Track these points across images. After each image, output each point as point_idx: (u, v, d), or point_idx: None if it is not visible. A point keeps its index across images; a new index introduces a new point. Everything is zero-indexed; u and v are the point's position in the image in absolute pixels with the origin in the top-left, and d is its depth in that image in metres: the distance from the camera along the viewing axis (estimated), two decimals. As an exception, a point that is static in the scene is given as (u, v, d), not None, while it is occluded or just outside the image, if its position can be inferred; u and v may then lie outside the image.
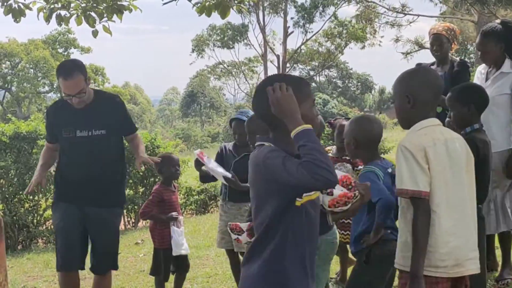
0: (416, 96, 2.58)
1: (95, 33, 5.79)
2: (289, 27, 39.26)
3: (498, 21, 4.49)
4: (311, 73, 52.39)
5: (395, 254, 2.86)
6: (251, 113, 4.40)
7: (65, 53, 48.14)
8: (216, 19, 62.38)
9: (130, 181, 10.03)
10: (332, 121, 4.69)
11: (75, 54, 49.50)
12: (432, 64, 5.06)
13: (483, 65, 4.58)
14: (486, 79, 4.42)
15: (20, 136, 9.19)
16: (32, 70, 45.05)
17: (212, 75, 54.01)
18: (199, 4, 5.41)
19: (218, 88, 63.34)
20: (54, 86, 45.80)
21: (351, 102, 57.23)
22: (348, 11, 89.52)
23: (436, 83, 2.68)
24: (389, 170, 3.08)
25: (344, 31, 38.08)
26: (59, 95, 48.01)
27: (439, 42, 4.88)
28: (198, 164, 4.31)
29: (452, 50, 5.08)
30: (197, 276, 5.54)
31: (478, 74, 4.63)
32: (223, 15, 5.46)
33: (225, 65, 47.12)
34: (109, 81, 51.27)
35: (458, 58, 5.29)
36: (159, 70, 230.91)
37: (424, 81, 2.63)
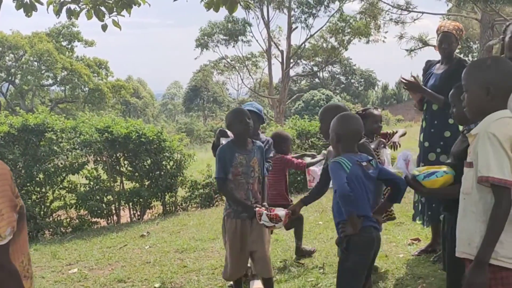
0: (497, 87, 2.47)
1: (104, 27, 5.85)
2: (293, 22, 39.21)
3: None
4: (315, 69, 52.38)
5: (373, 240, 3.18)
6: (257, 105, 4.89)
7: (69, 46, 48.17)
8: (222, 14, 62.34)
9: (136, 174, 10.10)
10: (362, 112, 4.86)
11: (78, 48, 49.56)
12: (438, 61, 5.13)
13: None
14: None
15: (28, 128, 9.26)
16: (36, 63, 44.89)
17: (216, 70, 53.95)
18: (207, -1, 5.48)
19: (221, 83, 63.31)
20: (58, 79, 45.87)
21: (354, 98, 57.19)
22: (352, 8, 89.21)
23: None
24: (363, 163, 3.23)
25: (347, 28, 37.96)
26: (62, 88, 48.18)
27: (448, 41, 4.94)
28: (224, 134, 4.50)
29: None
30: (202, 268, 5.63)
31: None
32: (231, 10, 5.53)
33: (228, 60, 47.01)
34: (112, 75, 51.33)
35: (461, 56, 5.35)
36: (162, 64, 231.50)
37: (504, 71, 2.50)
